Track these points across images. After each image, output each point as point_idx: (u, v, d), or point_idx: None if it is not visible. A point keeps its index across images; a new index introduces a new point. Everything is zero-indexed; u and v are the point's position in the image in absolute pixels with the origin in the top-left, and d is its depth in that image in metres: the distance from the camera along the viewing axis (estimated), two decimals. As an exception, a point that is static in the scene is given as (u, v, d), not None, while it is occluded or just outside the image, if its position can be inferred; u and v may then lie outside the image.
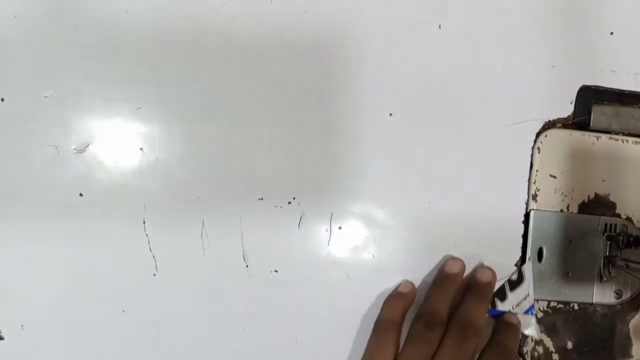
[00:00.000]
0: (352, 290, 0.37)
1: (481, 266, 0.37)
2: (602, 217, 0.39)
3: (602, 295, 0.39)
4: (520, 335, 0.37)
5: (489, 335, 0.36)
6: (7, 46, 0.36)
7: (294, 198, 0.37)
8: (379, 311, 0.36)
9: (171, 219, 0.36)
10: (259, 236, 0.37)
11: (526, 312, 0.38)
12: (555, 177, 0.39)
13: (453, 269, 0.37)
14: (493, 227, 0.38)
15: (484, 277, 0.36)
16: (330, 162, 0.37)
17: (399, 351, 0.34)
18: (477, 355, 0.35)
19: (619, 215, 0.39)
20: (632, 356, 0.39)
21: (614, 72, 0.40)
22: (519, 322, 0.37)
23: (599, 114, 0.39)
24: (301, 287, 0.37)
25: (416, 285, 0.37)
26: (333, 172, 0.37)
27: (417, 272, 0.38)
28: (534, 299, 0.38)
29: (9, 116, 0.36)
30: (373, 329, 0.35)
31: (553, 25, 0.39)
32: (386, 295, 0.37)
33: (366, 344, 0.35)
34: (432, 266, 0.38)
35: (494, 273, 0.37)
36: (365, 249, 0.38)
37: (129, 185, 0.36)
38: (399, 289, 0.37)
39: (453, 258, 0.37)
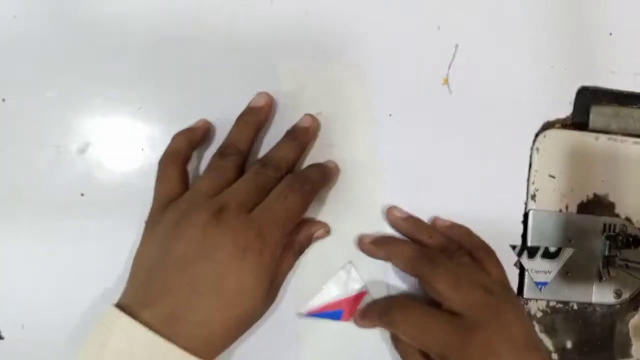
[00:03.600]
0: (353, 290, 0.37)
1: (306, 114, 0.36)
2: (602, 217, 0.39)
3: (602, 295, 0.39)
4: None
5: None
6: (8, 46, 0.36)
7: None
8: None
9: (172, 219, 0.36)
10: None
11: None
12: (554, 177, 0.39)
13: (257, 102, 0.35)
14: (492, 227, 0.38)
15: (301, 122, 0.36)
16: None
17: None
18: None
19: (618, 215, 0.39)
20: (631, 356, 0.39)
21: (613, 72, 0.40)
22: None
23: (598, 115, 0.39)
24: (301, 287, 0.37)
25: (413, 285, 0.37)
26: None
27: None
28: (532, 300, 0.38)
29: (10, 116, 0.36)
30: (158, 165, 0.34)
31: (553, 25, 0.39)
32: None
33: (360, 344, 0.35)
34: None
35: (314, 119, 0.36)
36: (365, 249, 0.38)
37: (130, 185, 0.36)
38: (193, 125, 0.36)
39: (261, 92, 0.36)
